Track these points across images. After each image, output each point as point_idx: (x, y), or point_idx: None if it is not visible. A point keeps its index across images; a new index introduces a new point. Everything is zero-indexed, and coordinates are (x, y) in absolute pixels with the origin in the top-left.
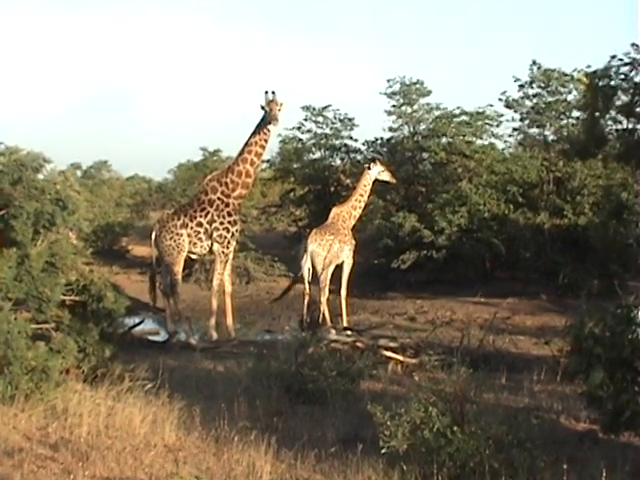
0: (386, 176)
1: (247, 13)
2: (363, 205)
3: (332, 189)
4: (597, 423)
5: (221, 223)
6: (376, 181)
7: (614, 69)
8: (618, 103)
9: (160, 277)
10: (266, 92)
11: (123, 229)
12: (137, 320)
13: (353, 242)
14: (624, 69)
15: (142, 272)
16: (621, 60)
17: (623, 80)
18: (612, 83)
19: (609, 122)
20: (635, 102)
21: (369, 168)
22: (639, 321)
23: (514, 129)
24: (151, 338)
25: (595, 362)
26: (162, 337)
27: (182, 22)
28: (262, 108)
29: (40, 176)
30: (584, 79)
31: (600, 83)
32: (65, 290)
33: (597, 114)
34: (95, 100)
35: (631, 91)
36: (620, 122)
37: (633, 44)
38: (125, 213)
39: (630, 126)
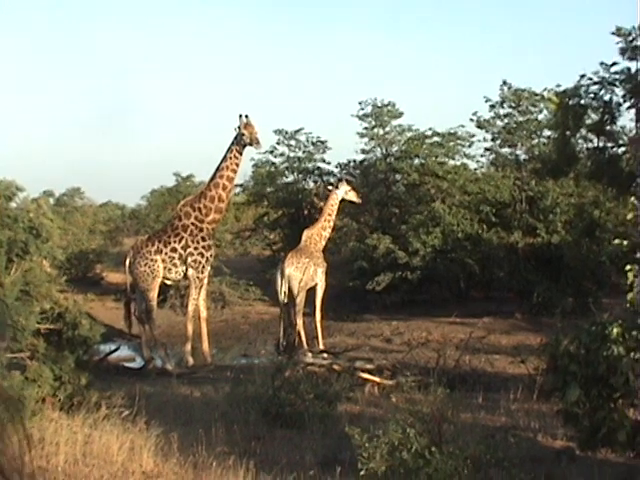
0: (353, 196)
1: (218, 36)
2: (332, 225)
3: (306, 212)
4: (574, 440)
5: (195, 248)
6: (343, 201)
7: (584, 88)
8: (588, 122)
9: (135, 303)
10: (240, 115)
11: (97, 256)
12: (113, 347)
13: (325, 264)
14: (593, 88)
15: (117, 299)
16: (590, 79)
17: (593, 99)
18: (582, 102)
19: (580, 141)
20: (605, 120)
21: (336, 188)
22: (613, 338)
23: (486, 149)
24: (127, 365)
25: (571, 380)
26: (138, 364)
27: (150, 48)
28: (238, 131)
29: (13, 204)
30: (554, 98)
31: (570, 102)
32: (40, 318)
33: (568, 133)
34: (70, 127)
35: (601, 110)
36: (591, 141)
37: (602, 63)
38: (99, 240)
39: (601, 144)
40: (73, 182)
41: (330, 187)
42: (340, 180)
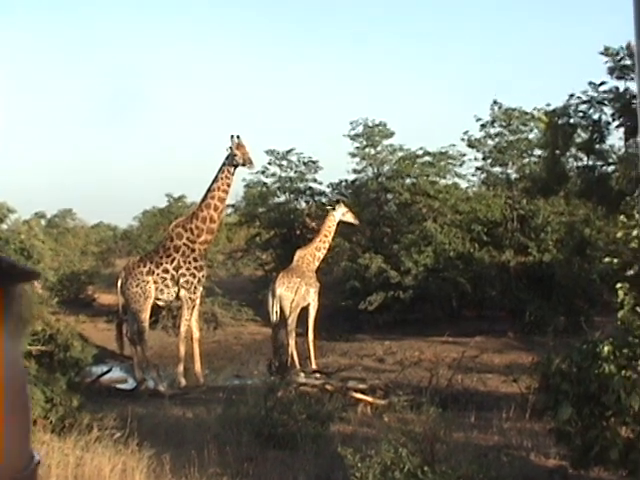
0: (350, 217)
1: (207, 57)
2: (327, 246)
3: (298, 232)
4: (566, 459)
5: (187, 269)
6: (340, 223)
7: (573, 107)
8: (578, 140)
9: (127, 325)
10: (232, 136)
11: (89, 277)
12: (105, 369)
13: (318, 284)
14: (583, 107)
15: (109, 320)
16: (579, 98)
17: (582, 118)
18: (571, 121)
19: (570, 159)
20: (594, 139)
21: (334, 209)
22: (605, 356)
23: (477, 168)
24: (119, 386)
25: (563, 398)
26: (130, 385)
27: (143, 65)
28: (230, 152)
29: (4, 226)
30: (544, 117)
31: (560, 121)
32: (31, 340)
33: (557, 152)
34: (62, 149)
35: (590, 128)
36: (581, 159)
37: (590, 82)
38: (91, 261)
39: (590, 163)
40: (65, 203)
41: (329, 207)
42: (337, 202)
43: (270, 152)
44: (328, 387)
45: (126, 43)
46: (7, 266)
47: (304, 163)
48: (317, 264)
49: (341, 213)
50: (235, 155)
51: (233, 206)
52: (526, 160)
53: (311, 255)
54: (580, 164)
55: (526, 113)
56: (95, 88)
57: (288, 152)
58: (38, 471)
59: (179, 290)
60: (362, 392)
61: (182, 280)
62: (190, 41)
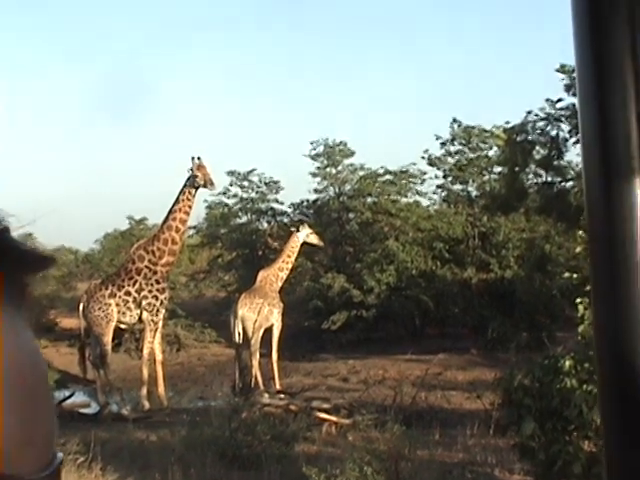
0: (314, 239)
1: (169, 77)
2: (290, 267)
3: (260, 253)
4: (530, 474)
5: (149, 291)
6: (304, 244)
7: (531, 124)
8: (537, 157)
9: (90, 348)
10: (193, 158)
11: (50, 301)
12: (67, 393)
13: (281, 304)
14: (540, 124)
15: (71, 344)
16: (537, 115)
17: (540, 135)
18: (530, 138)
19: (530, 176)
20: (553, 156)
21: (297, 231)
22: (566, 371)
23: (438, 186)
24: (82, 411)
25: (525, 413)
26: (93, 409)
27: (106, 88)
28: (190, 173)
29: None
30: (502, 135)
31: (518, 138)
32: None
33: (517, 169)
34: (22, 170)
35: (548, 145)
36: (540, 175)
37: (548, 99)
38: (52, 285)
39: (549, 179)
40: (25, 227)
41: (292, 229)
42: (301, 223)
43: (231, 173)
44: (292, 407)
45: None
46: (25, 253)
47: (265, 183)
48: (280, 284)
49: (305, 234)
50: (196, 176)
51: (195, 227)
52: (486, 177)
53: (274, 275)
54: (539, 180)
55: (485, 131)
56: (52, 109)
57: (249, 173)
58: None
59: (141, 313)
60: (326, 412)
61: (144, 302)
62: (153, 59)
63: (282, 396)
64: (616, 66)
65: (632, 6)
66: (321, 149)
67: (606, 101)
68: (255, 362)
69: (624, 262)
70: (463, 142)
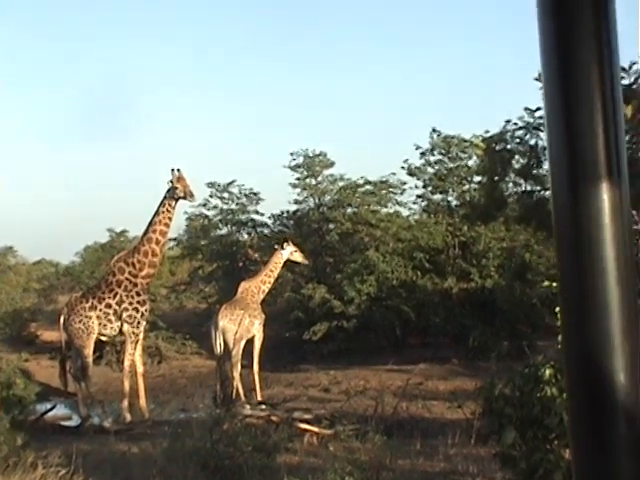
0: (298, 257)
1: (148, 90)
2: (272, 280)
3: (240, 264)
4: None
5: (130, 303)
6: (288, 261)
7: (510, 133)
8: (516, 166)
9: (71, 361)
10: (172, 169)
11: (31, 314)
12: (49, 406)
13: (263, 316)
14: (519, 133)
15: (52, 357)
16: (516, 124)
17: (519, 144)
18: (509, 147)
19: (509, 185)
20: (532, 165)
21: (282, 248)
22: (546, 379)
23: (418, 196)
24: (63, 423)
25: (506, 422)
26: (75, 422)
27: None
28: (170, 185)
29: None
30: (480, 144)
31: (497, 147)
32: None
33: (496, 178)
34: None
35: (527, 154)
36: (519, 185)
37: (526, 108)
38: (33, 298)
39: (529, 188)
40: (5, 240)
41: (276, 246)
42: (286, 240)
43: (211, 184)
44: (274, 418)
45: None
46: None
47: (245, 195)
48: (262, 296)
49: (289, 252)
50: (176, 188)
51: (175, 239)
52: (466, 187)
53: (256, 287)
54: (519, 189)
55: (465, 140)
56: (37, 123)
57: (229, 184)
58: None
59: (122, 325)
60: (308, 422)
61: (125, 315)
62: (134, 72)
63: (263, 407)
64: (582, 76)
65: (597, 20)
66: (301, 160)
67: (572, 108)
68: (236, 373)
69: (591, 267)
70: (443, 152)
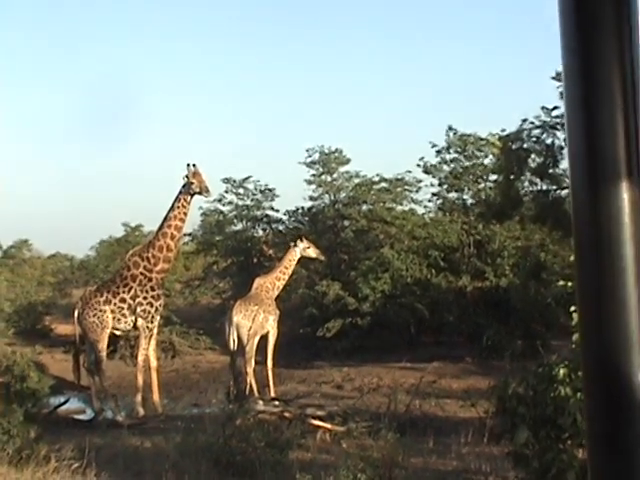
0: (312, 252)
1: (166, 83)
2: (287, 277)
3: (255, 260)
4: None
5: (144, 298)
6: (302, 257)
7: (526, 132)
8: (532, 165)
9: (85, 355)
10: (188, 165)
11: (46, 308)
12: (62, 399)
13: (277, 312)
14: (536, 132)
15: (66, 351)
16: (532, 123)
17: (535, 142)
18: (525, 146)
19: (525, 184)
20: (548, 164)
21: (295, 245)
22: (560, 379)
23: (433, 194)
24: (77, 417)
25: (519, 421)
26: (88, 415)
27: (102, 94)
28: (186, 180)
29: None
30: (497, 143)
31: (513, 146)
32: None
33: (512, 177)
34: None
35: (543, 153)
36: (535, 184)
37: (543, 107)
38: (47, 292)
39: (544, 187)
40: (21, 234)
41: (291, 244)
42: (300, 237)
43: (226, 180)
44: (286, 414)
45: (87, 74)
46: None
47: (261, 191)
48: (277, 293)
49: (302, 249)
50: (192, 183)
51: (190, 234)
52: (482, 185)
53: (271, 283)
54: (534, 188)
55: (481, 139)
56: (49, 117)
57: (244, 180)
58: None
59: (136, 319)
60: (320, 419)
61: (139, 309)
62: (150, 69)
63: (276, 403)
64: (603, 74)
65: (619, 16)
66: (317, 156)
67: (593, 106)
68: (250, 369)
69: (610, 266)
70: (459, 150)
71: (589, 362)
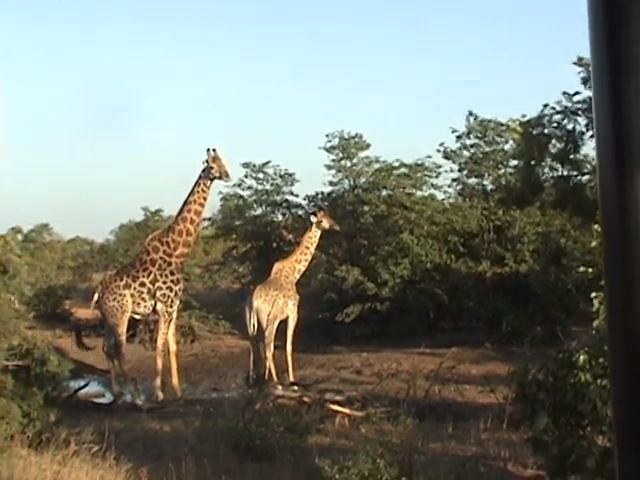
0: (326, 224)
1: (181, 71)
2: (308, 259)
3: (274, 245)
4: (544, 468)
5: (164, 282)
6: (322, 234)
7: (547, 118)
8: (553, 151)
9: (104, 339)
10: (208, 149)
11: (66, 292)
12: (82, 383)
13: (297, 297)
14: (557, 117)
15: (86, 335)
16: (553, 109)
17: (556, 128)
18: (546, 131)
19: (546, 170)
20: (569, 149)
21: (311, 223)
22: (580, 365)
23: (453, 179)
24: (96, 400)
25: (539, 408)
26: (108, 399)
27: (121, 79)
28: (206, 165)
29: None
30: (518, 128)
31: (534, 132)
32: (8, 355)
33: (532, 162)
34: (38, 162)
35: (564, 139)
36: (555, 169)
37: (565, 93)
38: (67, 276)
39: (565, 173)
40: (41, 218)
41: (309, 217)
42: (314, 213)
43: (246, 165)
44: (306, 399)
45: (105, 57)
46: None
47: (280, 176)
48: (297, 276)
49: (316, 222)
50: (211, 168)
51: (210, 219)
52: (502, 171)
53: (290, 267)
54: (555, 174)
55: (501, 124)
56: (72, 102)
57: (264, 165)
58: None
59: (156, 304)
60: (339, 404)
61: (159, 293)
62: (170, 53)
63: (296, 388)
64: (632, 59)
65: None
66: (336, 141)
67: (621, 92)
68: (269, 354)
69: (638, 253)
70: (479, 135)
71: (616, 350)
